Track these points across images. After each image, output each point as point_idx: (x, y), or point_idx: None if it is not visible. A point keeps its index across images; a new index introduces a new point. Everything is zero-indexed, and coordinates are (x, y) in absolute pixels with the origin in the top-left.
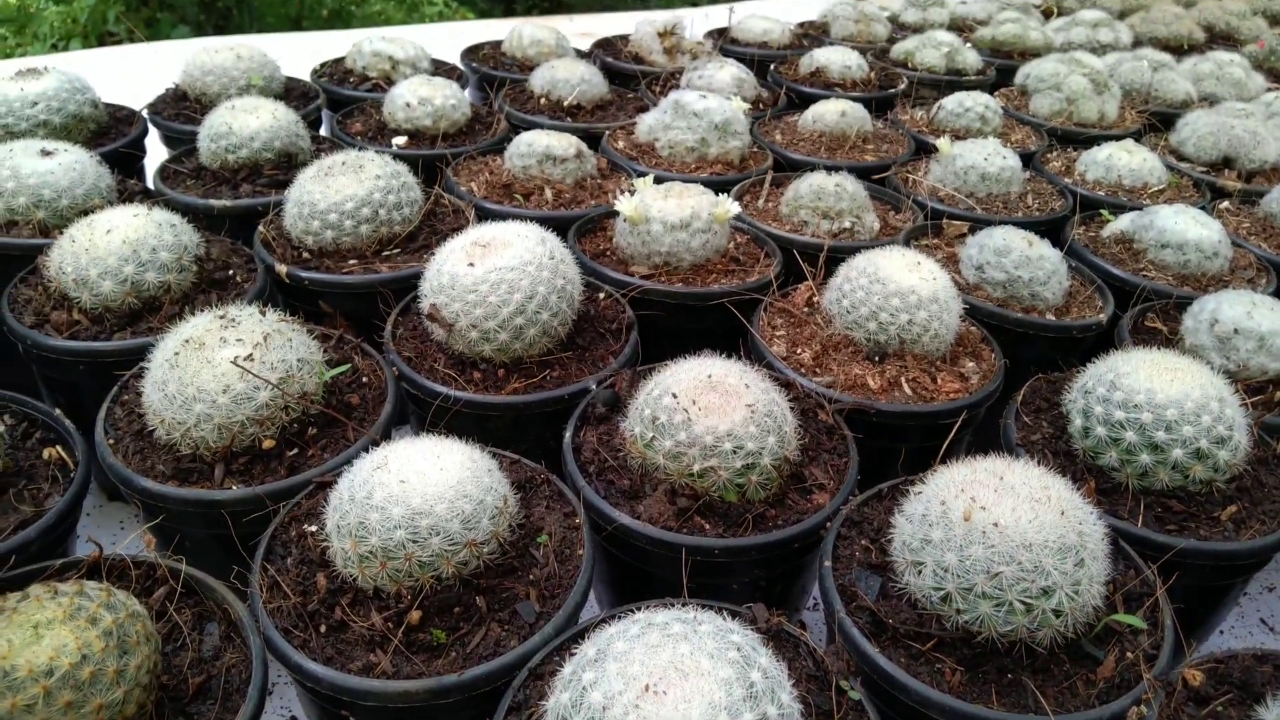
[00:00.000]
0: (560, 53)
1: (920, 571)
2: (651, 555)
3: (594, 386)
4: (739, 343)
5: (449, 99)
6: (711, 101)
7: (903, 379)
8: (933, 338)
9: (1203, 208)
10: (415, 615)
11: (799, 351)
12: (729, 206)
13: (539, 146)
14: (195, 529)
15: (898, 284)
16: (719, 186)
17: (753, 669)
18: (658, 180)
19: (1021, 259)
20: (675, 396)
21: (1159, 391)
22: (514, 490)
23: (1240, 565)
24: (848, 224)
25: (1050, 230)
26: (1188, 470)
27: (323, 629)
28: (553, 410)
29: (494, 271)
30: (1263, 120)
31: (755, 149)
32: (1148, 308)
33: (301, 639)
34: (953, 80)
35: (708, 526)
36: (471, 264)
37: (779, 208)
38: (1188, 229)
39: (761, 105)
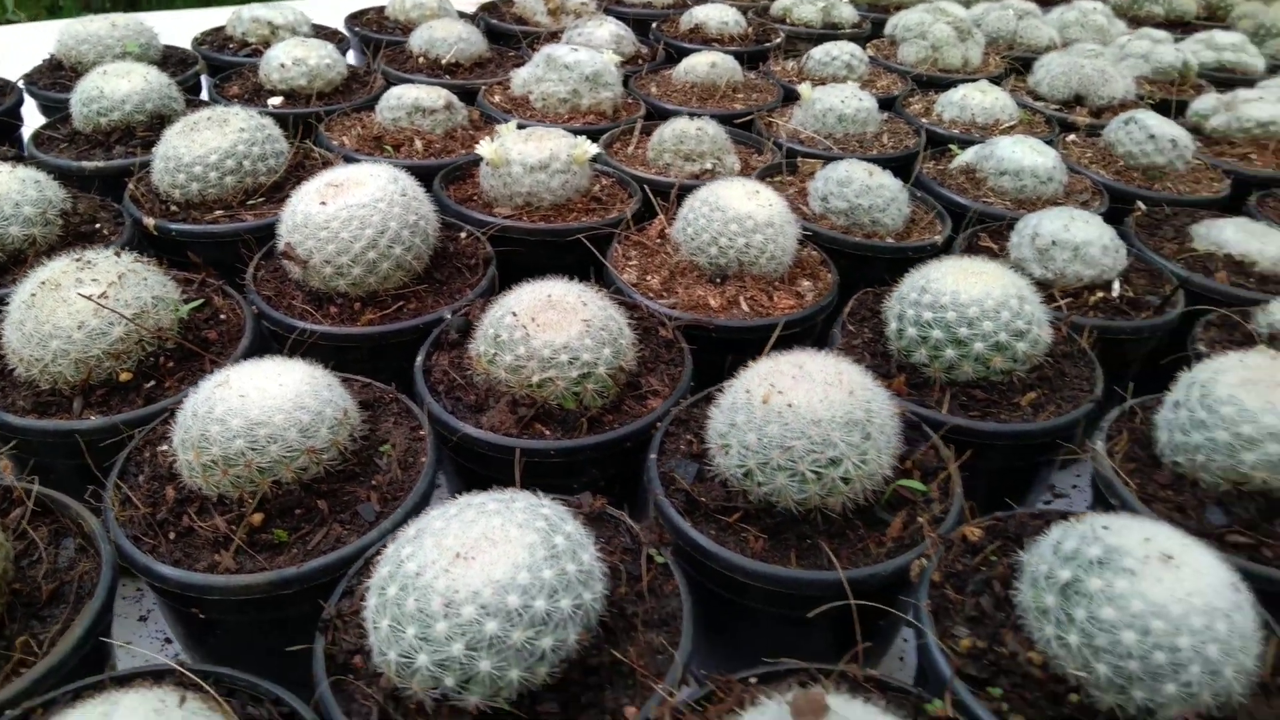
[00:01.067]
0: (442, 15)
1: (727, 452)
2: (494, 461)
3: (449, 316)
4: (598, 276)
5: (324, 59)
6: (583, 54)
7: (741, 298)
8: (769, 259)
9: (1049, 140)
10: (257, 518)
11: (649, 278)
12: (586, 148)
13: (408, 99)
14: (57, 458)
15: (735, 211)
16: (592, 135)
17: (557, 534)
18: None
19: (862, 188)
20: (515, 315)
21: (963, 292)
22: (362, 408)
23: (1038, 445)
24: (709, 165)
25: (903, 165)
26: (989, 361)
27: (171, 535)
28: (409, 340)
29: (345, 209)
30: (1113, 61)
31: (629, 100)
32: (982, 229)
33: (151, 545)
34: (828, 34)
35: (547, 432)
36: (324, 203)
37: (646, 153)
38: (1024, 156)
39: (641, 60)
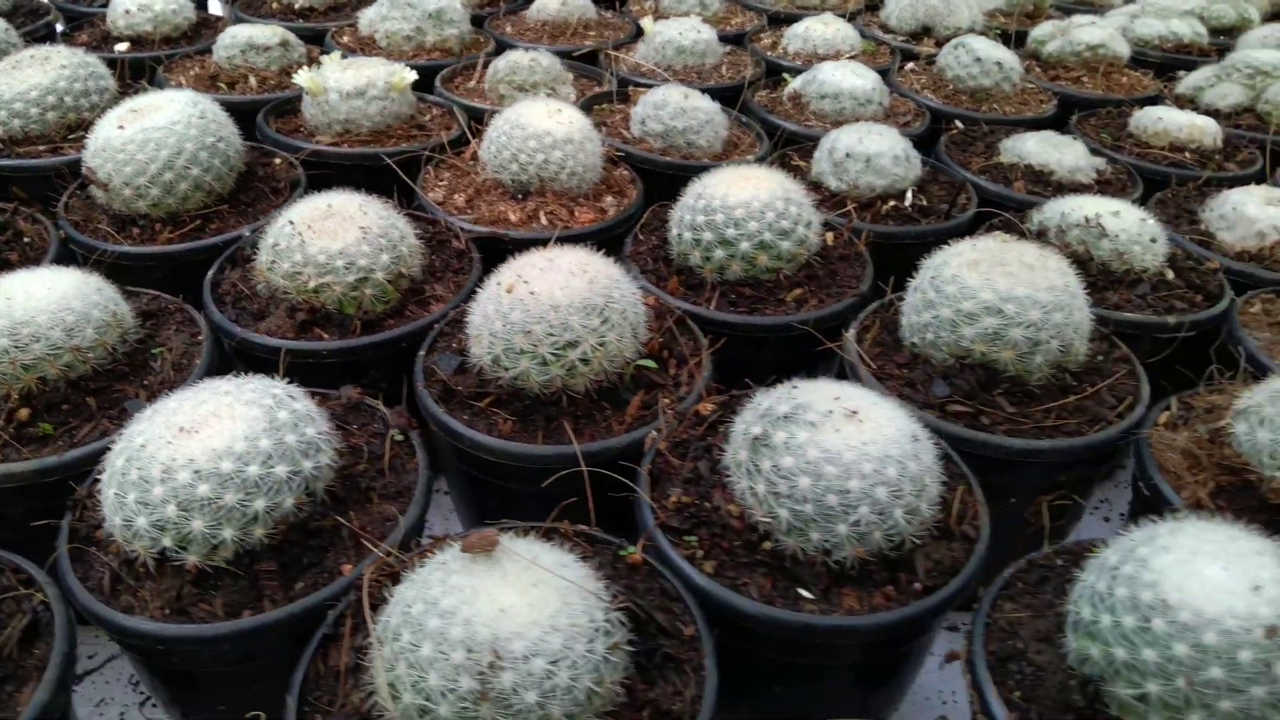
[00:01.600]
0: None
1: (480, 341)
2: (270, 364)
3: (247, 234)
4: (410, 197)
5: (169, 5)
6: None
7: (541, 212)
8: (569, 175)
9: (887, 69)
10: (24, 412)
11: (455, 196)
12: (404, 75)
13: (241, 37)
14: None
15: (535, 128)
16: (433, 70)
17: (282, 410)
18: None
19: (676, 110)
20: (292, 223)
21: (732, 196)
22: (145, 317)
23: (796, 336)
24: (543, 94)
25: (737, 94)
26: (754, 260)
27: None
28: (208, 259)
29: (142, 132)
30: None
31: (481, 38)
32: (794, 148)
33: None
34: None
35: (325, 335)
36: (122, 127)
37: (484, 86)
38: (843, 80)
39: (503, 2)
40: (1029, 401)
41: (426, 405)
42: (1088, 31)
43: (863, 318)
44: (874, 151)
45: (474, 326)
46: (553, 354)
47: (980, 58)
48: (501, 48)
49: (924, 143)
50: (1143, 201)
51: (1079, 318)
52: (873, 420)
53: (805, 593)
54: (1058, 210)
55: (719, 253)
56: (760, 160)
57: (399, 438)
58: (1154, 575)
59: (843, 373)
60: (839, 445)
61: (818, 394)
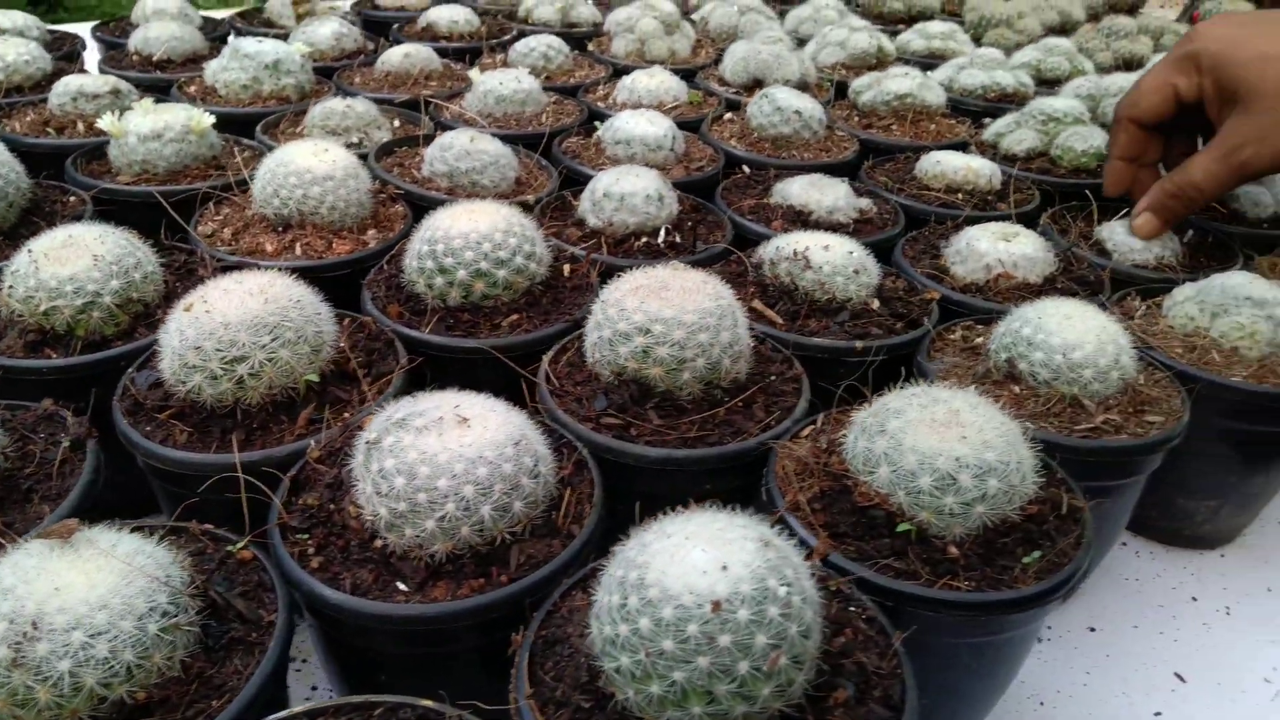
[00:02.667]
0: (182, 18)
1: (163, 359)
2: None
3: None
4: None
5: (22, 56)
6: (265, 45)
7: (298, 244)
8: (330, 209)
9: (699, 120)
10: None
11: (224, 230)
12: (202, 119)
13: (73, 85)
14: None
15: (297, 165)
16: (260, 117)
17: None
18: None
19: (461, 152)
20: (30, 251)
21: (454, 228)
22: None
23: (510, 358)
24: (355, 138)
25: (550, 140)
26: (470, 287)
27: None
28: None
29: None
30: (790, 47)
31: (325, 87)
32: (573, 189)
33: None
34: (565, 33)
35: (53, 355)
36: None
37: (303, 131)
38: (636, 127)
39: (364, 54)
40: (678, 415)
41: (115, 418)
42: (897, 82)
43: (566, 340)
44: (627, 191)
45: (160, 344)
46: (221, 368)
47: (780, 106)
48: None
49: (715, 186)
50: (902, 238)
51: (727, 337)
52: (480, 427)
53: (402, 585)
54: (775, 245)
55: (439, 280)
56: (538, 200)
57: (68, 445)
58: (646, 557)
59: (532, 397)
60: (436, 448)
61: (439, 402)
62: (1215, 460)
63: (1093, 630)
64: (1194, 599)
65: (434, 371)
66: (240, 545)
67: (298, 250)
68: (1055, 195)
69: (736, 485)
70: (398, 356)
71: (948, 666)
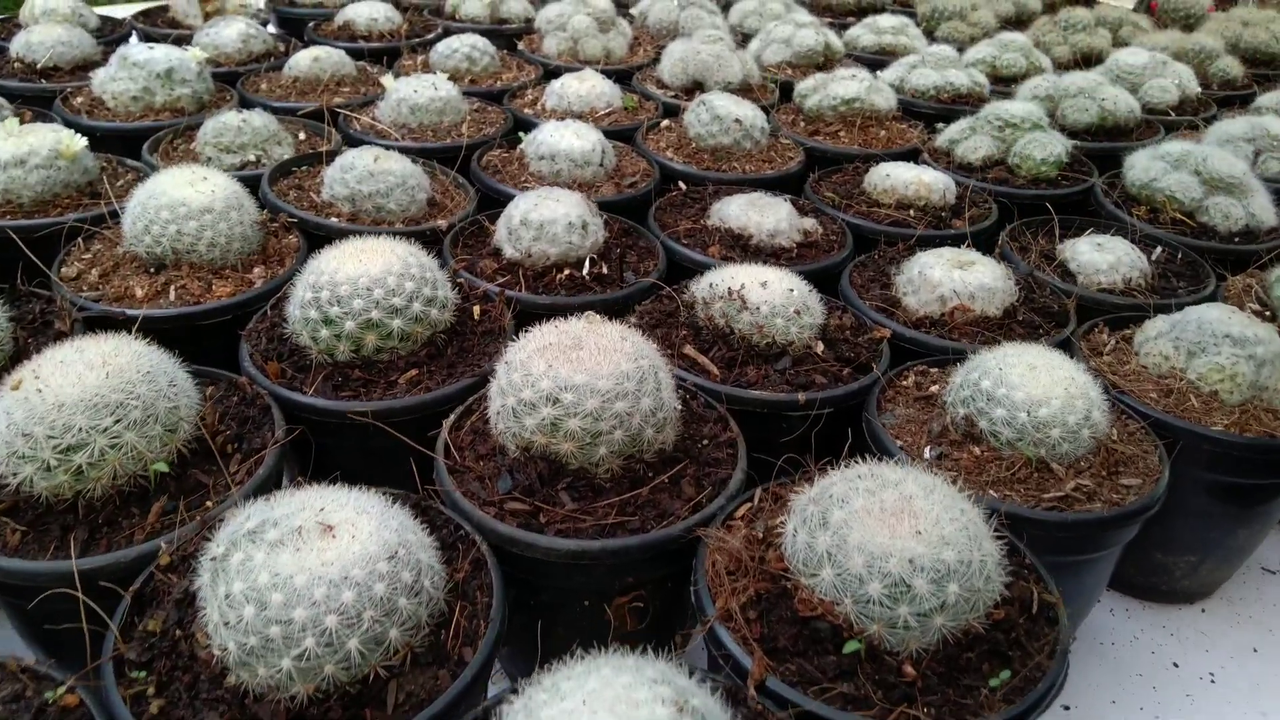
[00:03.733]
0: (73, 20)
1: None
2: None
3: None
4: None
5: None
6: (156, 52)
7: (172, 287)
8: (209, 246)
9: (633, 128)
10: None
11: (92, 271)
12: (73, 144)
13: None
14: None
15: (170, 198)
16: (151, 131)
17: None
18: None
19: (364, 174)
20: None
21: (341, 271)
22: None
23: (405, 423)
24: (251, 156)
25: (469, 154)
26: (360, 340)
27: None
28: None
29: None
30: (732, 47)
31: (227, 96)
32: (490, 213)
33: None
34: (495, 29)
35: None
36: None
37: (195, 148)
38: (561, 140)
39: (274, 57)
40: (594, 496)
41: None
42: (843, 85)
43: (471, 401)
44: (546, 219)
45: None
46: (55, 458)
47: (719, 115)
48: (250, 108)
49: (649, 204)
50: (850, 262)
51: (649, 404)
52: (348, 536)
53: None
54: (708, 281)
55: (324, 332)
56: (451, 226)
57: None
58: None
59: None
60: (293, 567)
61: (300, 504)
62: (1196, 515)
63: (1067, 709)
64: (1175, 665)
65: (319, 440)
66: (62, 690)
67: (171, 294)
68: (1014, 209)
69: (663, 575)
70: (274, 426)
71: None
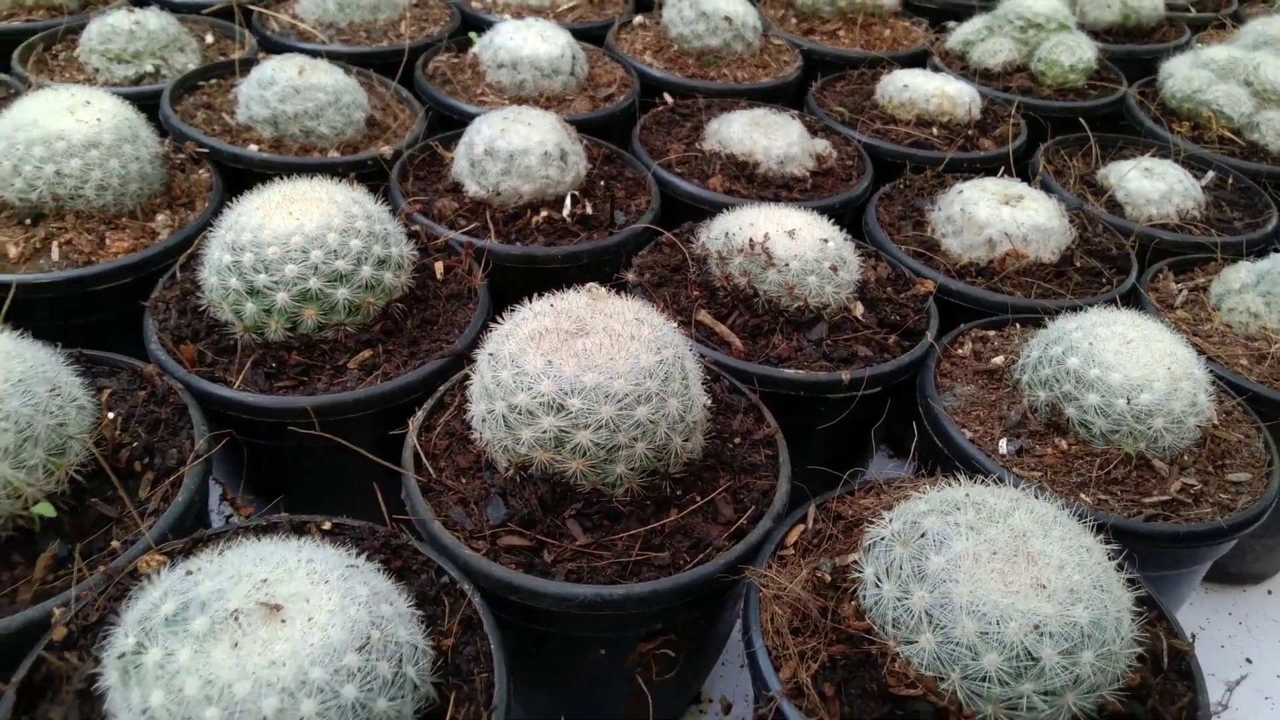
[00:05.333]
0: None
1: None
2: None
3: None
4: None
5: None
6: None
7: (55, 243)
8: (98, 190)
9: (604, 23)
10: None
11: None
12: None
13: None
14: None
15: (44, 129)
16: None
17: None
18: None
19: (287, 90)
20: None
21: (268, 226)
22: None
23: (361, 419)
24: (149, 67)
25: (412, 60)
26: (298, 316)
27: None
28: None
29: None
30: None
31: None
32: (443, 136)
33: None
34: None
35: None
36: None
37: (78, 56)
38: (524, 44)
39: None
40: (611, 525)
41: None
42: None
43: (443, 392)
44: (517, 148)
45: None
46: None
47: (705, 11)
48: (144, 5)
49: (631, 122)
50: (873, 192)
51: (676, 408)
52: (303, 618)
53: None
54: (722, 229)
55: (250, 306)
56: (397, 152)
57: None
58: None
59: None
60: (231, 671)
61: (230, 574)
62: None
63: None
64: (1249, 660)
65: (255, 439)
66: None
67: (54, 253)
68: (1045, 124)
69: (696, 618)
70: (192, 433)
71: None
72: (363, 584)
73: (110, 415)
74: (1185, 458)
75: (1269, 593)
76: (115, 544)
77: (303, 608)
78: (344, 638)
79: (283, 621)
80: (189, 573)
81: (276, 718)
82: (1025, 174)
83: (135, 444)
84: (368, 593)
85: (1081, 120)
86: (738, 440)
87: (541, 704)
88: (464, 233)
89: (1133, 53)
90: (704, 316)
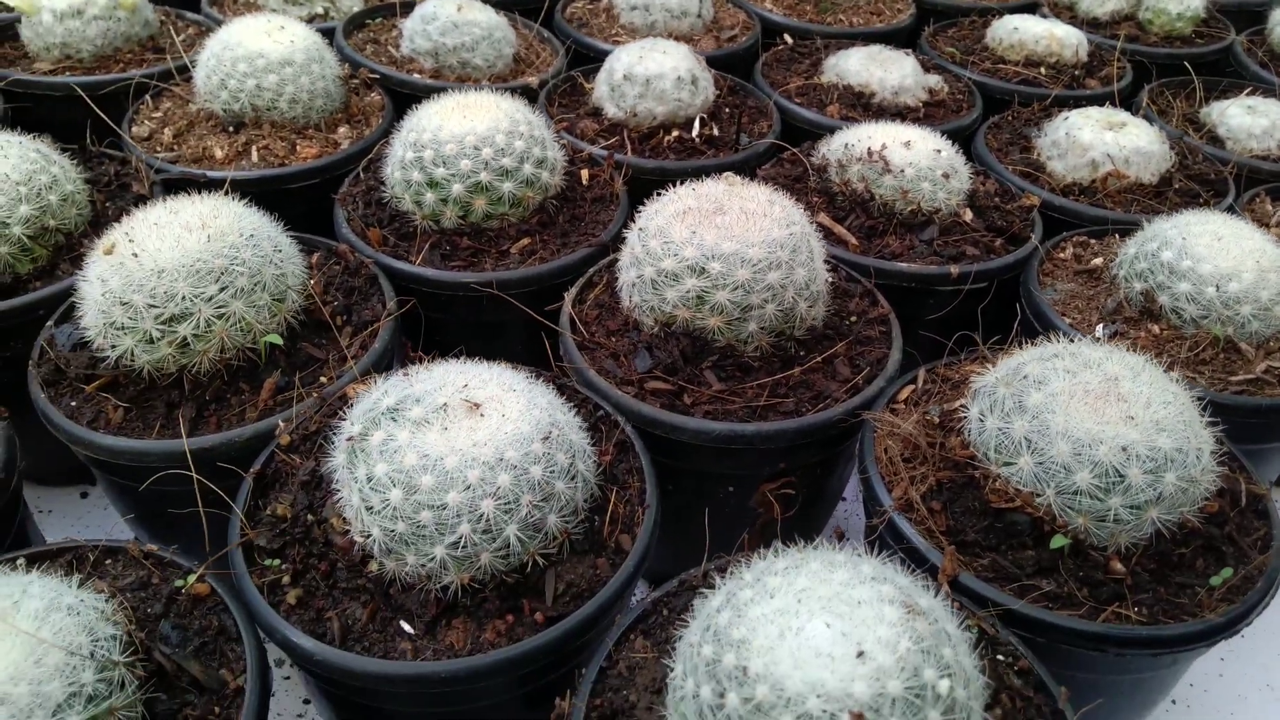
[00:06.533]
0: None
1: (87, 313)
2: None
3: None
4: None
5: None
6: None
7: (254, 147)
8: (290, 103)
9: None
10: None
11: (165, 131)
12: None
13: None
14: None
15: (247, 49)
16: None
17: None
18: None
19: (447, 25)
20: None
21: (446, 128)
22: None
23: (533, 293)
24: (319, 9)
25: (551, 5)
26: (469, 205)
27: None
28: None
29: None
30: None
31: None
32: (587, 69)
33: None
34: None
35: None
36: None
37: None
38: None
39: None
40: (743, 376)
41: (30, 388)
42: None
43: (592, 273)
44: (653, 73)
45: (81, 294)
46: (158, 329)
47: None
48: None
49: (752, 60)
50: (982, 123)
51: (803, 276)
52: (498, 414)
53: (408, 626)
54: (842, 141)
55: (429, 196)
56: (543, 83)
57: None
58: (744, 631)
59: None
60: (443, 448)
61: (442, 380)
62: None
63: None
64: None
65: (430, 312)
66: (193, 578)
67: (254, 155)
68: (1150, 69)
69: (816, 461)
70: (383, 297)
71: (1103, 696)
72: (542, 397)
73: (316, 279)
74: (1271, 344)
75: None
76: (324, 379)
77: (497, 407)
78: (530, 430)
79: (481, 416)
80: (404, 375)
81: (479, 486)
82: (1130, 113)
83: (335, 303)
84: (546, 403)
85: (1187, 64)
86: (854, 318)
87: (670, 554)
88: (604, 148)
89: (1243, 3)
90: (823, 218)
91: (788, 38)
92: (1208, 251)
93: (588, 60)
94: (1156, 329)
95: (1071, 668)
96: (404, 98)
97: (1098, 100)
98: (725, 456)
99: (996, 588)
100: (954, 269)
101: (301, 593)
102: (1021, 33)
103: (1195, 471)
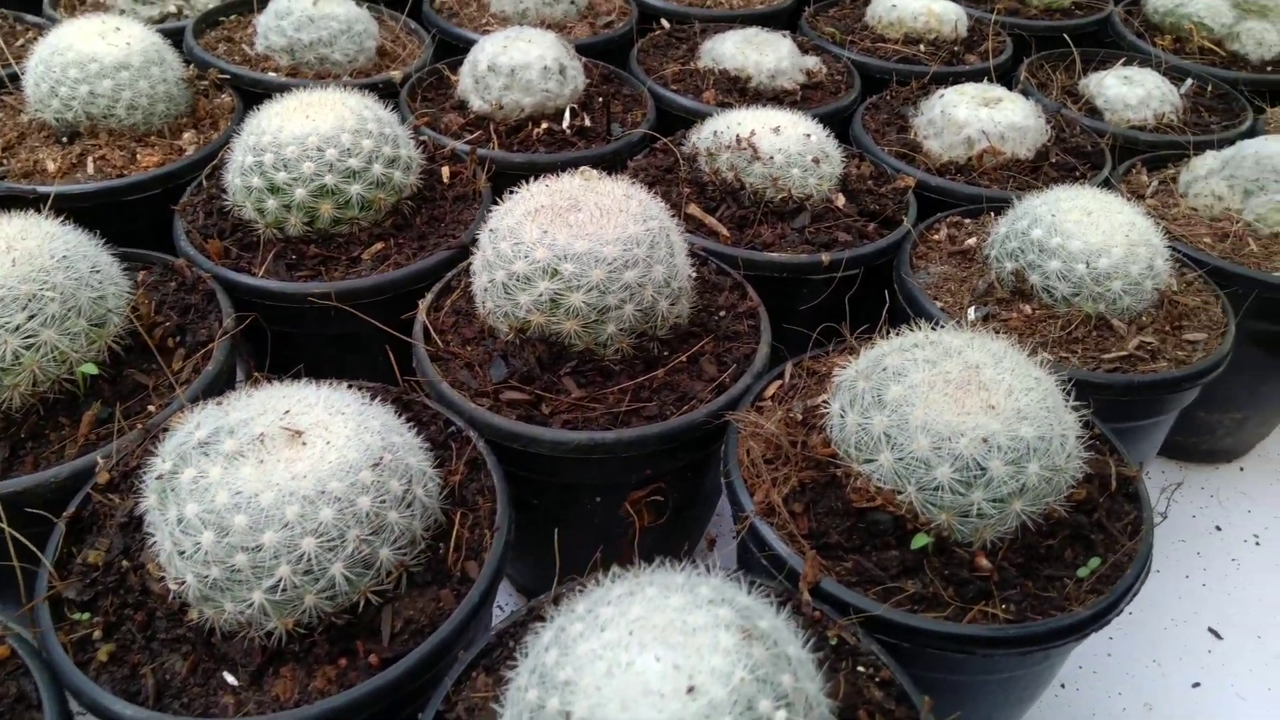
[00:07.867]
0: None
1: None
2: None
3: None
4: None
5: None
6: None
7: (90, 158)
8: (129, 109)
9: None
10: None
11: None
12: None
13: None
14: None
15: (78, 53)
16: None
17: None
18: None
19: (302, 20)
20: None
21: (286, 129)
22: None
23: (377, 303)
24: (171, 7)
25: None
26: (315, 210)
27: None
28: None
29: None
30: None
31: None
32: (450, 60)
33: None
34: None
35: None
36: None
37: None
38: None
39: None
40: (604, 380)
41: None
42: None
43: (450, 277)
44: (518, 63)
45: None
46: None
47: None
48: None
49: (629, 46)
50: (860, 104)
51: (662, 273)
52: (322, 441)
53: (231, 678)
54: (711, 129)
55: (271, 203)
56: (406, 77)
57: None
58: (570, 671)
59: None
60: (257, 484)
61: (261, 407)
62: (1251, 369)
63: None
64: (1218, 528)
65: (280, 328)
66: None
67: (90, 167)
68: (1030, 43)
69: (684, 465)
70: (221, 315)
71: (974, 701)
72: (375, 418)
73: (145, 299)
74: (1144, 319)
75: (1240, 469)
76: (151, 408)
77: (321, 433)
78: (359, 457)
79: (303, 444)
80: (219, 404)
81: (299, 523)
82: (1009, 87)
83: (168, 324)
84: (380, 424)
85: (1066, 37)
86: (722, 313)
87: (540, 570)
88: (467, 143)
89: None
90: (693, 209)
91: (665, 22)
92: (1077, 228)
93: (458, 52)
94: (1028, 309)
95: (940, 670)
96: (259, 98)
97: (977, 76)
98: (588, 467)
99: (859, 592)
100: (825, 257)
101: (115, 648)
102: (900, 10)
103: (1060, 459)
